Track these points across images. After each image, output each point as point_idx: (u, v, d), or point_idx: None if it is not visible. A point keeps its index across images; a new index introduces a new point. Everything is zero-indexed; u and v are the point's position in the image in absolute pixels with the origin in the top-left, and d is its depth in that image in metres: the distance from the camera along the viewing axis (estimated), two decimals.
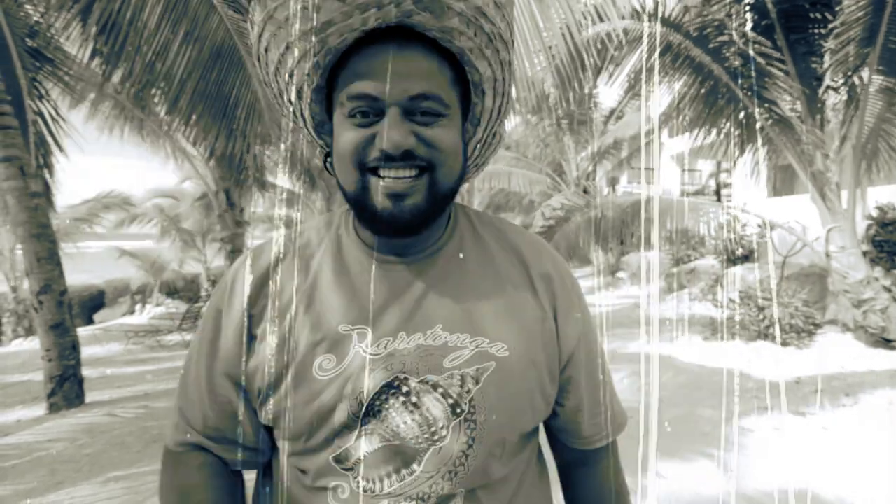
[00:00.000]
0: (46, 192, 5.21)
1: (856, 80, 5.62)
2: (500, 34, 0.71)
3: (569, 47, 4.26)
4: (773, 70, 5.66)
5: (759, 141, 6.50)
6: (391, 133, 0.65)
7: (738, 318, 6.93)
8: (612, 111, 16.85)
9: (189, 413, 0.78)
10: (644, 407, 4.55)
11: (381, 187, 0.67)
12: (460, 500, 0.71)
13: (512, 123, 19.89)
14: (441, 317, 0.72)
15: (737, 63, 6.04)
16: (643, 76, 6.44)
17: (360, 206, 0.70)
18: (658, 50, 5.98)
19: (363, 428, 0.69)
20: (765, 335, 6.52)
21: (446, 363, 0.70)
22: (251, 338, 0.73)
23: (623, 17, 5.48)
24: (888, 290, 5.83)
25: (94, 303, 13.35)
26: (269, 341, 0.71)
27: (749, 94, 6.02)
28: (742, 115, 6.38)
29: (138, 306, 14.76)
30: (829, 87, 5.83)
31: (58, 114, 5.35)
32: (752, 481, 3.16)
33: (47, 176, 5.31)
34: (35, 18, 4.94)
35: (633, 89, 11.29)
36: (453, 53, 0.70)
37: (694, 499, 2.99)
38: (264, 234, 21.93)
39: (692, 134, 6.93)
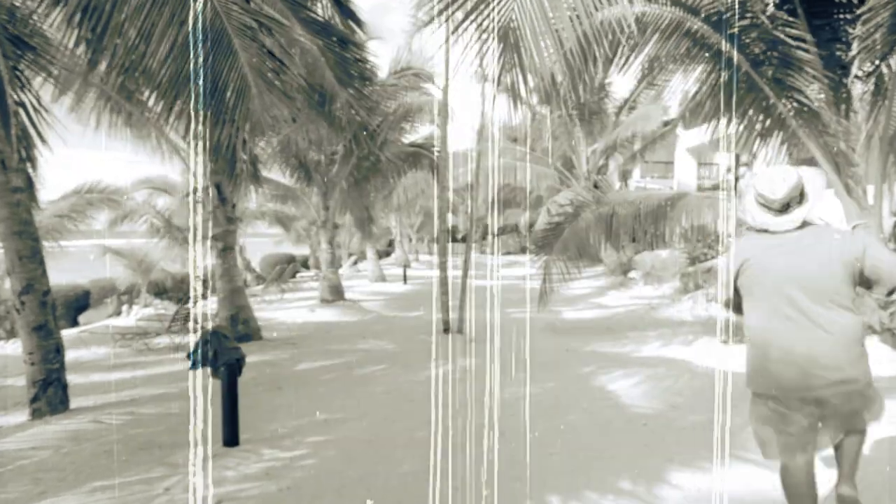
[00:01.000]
0: (29, 187, 5.21)
1: (884, 68, 5.58)
2: None
3: (578, 35, 4.23)
4: (798, 56, 5.62)
5: (781, 132, 6.46)
6: None
7: None
8: (626, 101, 16.80)
9: None
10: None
11: None
12: None
13: (519, 115, 19.88)
14: None
15: (758, 50, 6.01)
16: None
17: None
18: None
19: None
20: None
21: None
22: None
23: (632, 2, 5.44)
24: None
25: (78, 303, 13.39)
26: None
27: (770, 82, 5.98)
28: (763, 104, 6.34)
29: (125, 307, 14.79)
30: (855, 76, 5.79)
31: (40, 104, 5.35)
32: (774, 492, 3.14)
33: (30, 170, 5.31)
34: (15, 3, 4.94)
35: (646, 78, 11.26)
36: None
37: None
38: (257, 232, 21.92)
39: (710, 125, 6.88)
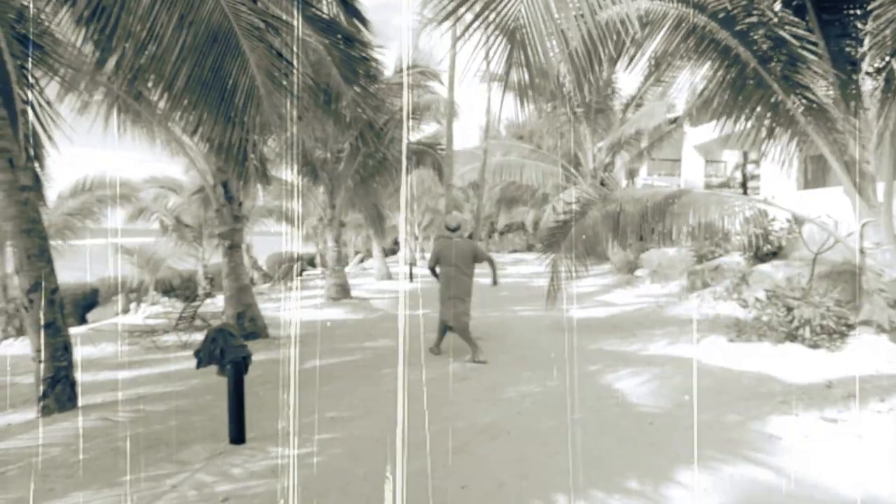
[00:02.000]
0: (37, 186, 5.25)
1: (894, 64, 5.52)
2: None
3: (583, 34, 4.21)
4: (806, 53, 5.57)
5: (790, 129, 6.40)
6: None
7: (765, 318, 6.86)
8: (632, 98, 16.72)
9: None
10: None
11: None
12: None
13: (526, 112, 19.82)
14: None
15: (765, 46, 5.96)
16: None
17: None
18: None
19: None
20: (793, 337, 6.45)
21: None
22: None
23: None
24: None
25: (86, 301, 13.48)
26: None
27: (779, 79, 5.93)
28: (771, 101, 6.29)
29: (133, 305, 14.89)
30: (866, 72, 5.73)
31: (48, 103, 5.39)
32: (778, 494, 3.13)
33: (38, 169, 5.35)
34: (22, 2, 4.97)
35: (653, 76, 11.19)
36: None
37: None
38: (263, 230, 21.99)
39: (718, 123, 6.83)
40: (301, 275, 18.46)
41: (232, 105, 4.57)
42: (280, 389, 5.52)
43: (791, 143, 6.67)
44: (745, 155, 18.25)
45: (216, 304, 10.84)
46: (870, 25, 5.11)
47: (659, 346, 7.25)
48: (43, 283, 4.85)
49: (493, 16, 4.01)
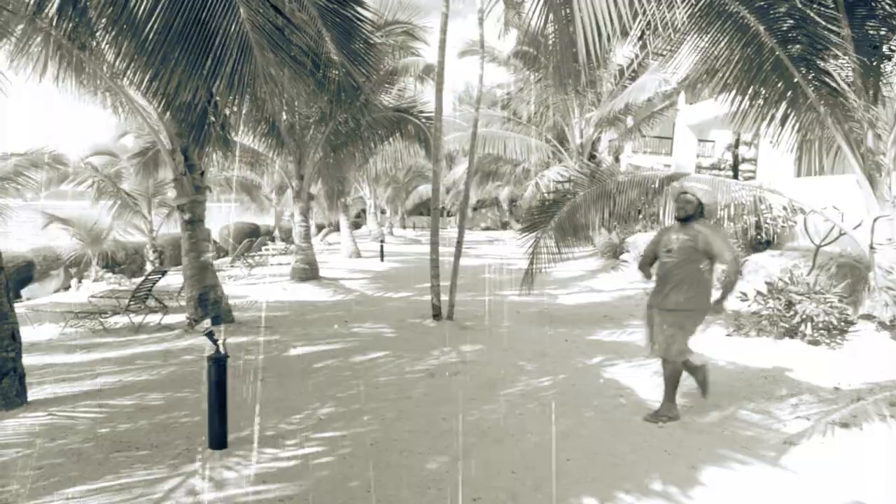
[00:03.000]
0: None
1: None
2: None
3: None
4: (828, 34, 5.58)
5: (803, 114, 6.45)
6: None
7: (764, 312, 6.99)
8: (625, 69, 16.67)
9: None
10: None
11: None
12: None
13: (510, 79, 19.55)
14: None
15: (785, 27, 5.95)
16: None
17: None
18: None
19: None
20: (794, 332, 6.60)
21: None
22: None
23: None
24: None
25: (20, 276, 12.83)
26: None
27: (795, 60, 5.94)
28: (781, 83, 6.31)
29: (73, 281, 14.26)
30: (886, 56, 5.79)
31: None
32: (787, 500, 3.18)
33: None
34: None
35: (648, 46, 11.09)
36: None
37: None
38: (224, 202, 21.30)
39: (726, 98, 6.78)
40: (261, 250, 17.98)
41: (204, 58, 4.23)
42: (258, 384, 5.35)
43: (800, 129, 6.71)
44: (738, 137, 18.53)
45: (168, 283, 10.45)
46: None
47: None
48: None
49: None
